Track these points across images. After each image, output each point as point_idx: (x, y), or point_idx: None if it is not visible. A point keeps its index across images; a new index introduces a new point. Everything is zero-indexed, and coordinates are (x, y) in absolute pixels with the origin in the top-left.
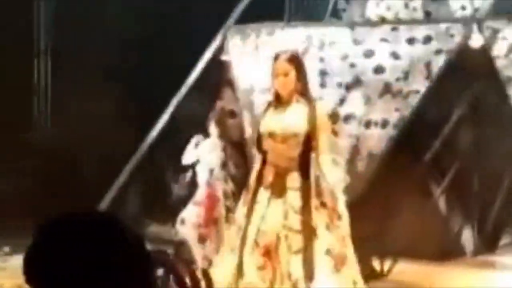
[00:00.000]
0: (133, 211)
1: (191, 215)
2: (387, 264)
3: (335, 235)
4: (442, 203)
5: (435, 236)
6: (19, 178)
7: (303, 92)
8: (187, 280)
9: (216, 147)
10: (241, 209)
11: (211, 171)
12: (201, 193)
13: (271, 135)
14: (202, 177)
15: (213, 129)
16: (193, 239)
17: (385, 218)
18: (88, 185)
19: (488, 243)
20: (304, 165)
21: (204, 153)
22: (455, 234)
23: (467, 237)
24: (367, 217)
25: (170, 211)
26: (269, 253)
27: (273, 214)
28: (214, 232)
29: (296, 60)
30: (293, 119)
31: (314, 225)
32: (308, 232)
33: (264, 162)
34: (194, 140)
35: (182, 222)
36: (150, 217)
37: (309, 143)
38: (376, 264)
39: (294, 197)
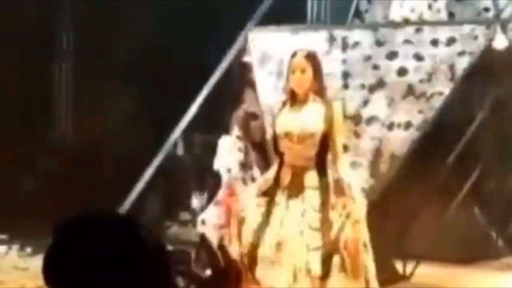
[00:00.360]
0: (154, 213)
1: (211, 216)
2: (409, 266)
3: (348, 221)
4: (465, 205)
5: (458, 238)
6: (41, 178)
7: (320, 92)
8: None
9: (234, 147)
10: (252, 208)
11: (229, 171)
12: (221, 194)
13: (288, 135)
14: (223, 177)
15: (235, 131)
16: (214, 241)
17: (407, 220)
18: (109, 186)
19: None
20: (321, 164)
21: (223, 154)
22: (478, 236)
23: (491, 239)
24: (389, 219)
25: (191, 212)
26: (282, 249)
27: (292, 215)
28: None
29: (313, 59)
30: (310, 118)
31: (331, 222)
32: (326, 231)
33: (281, 164)
34: (221, 142)
35: (203, 223)
36: (171, 219)
37: (325, 142)
38: (398, 266)
39: (312, 196)
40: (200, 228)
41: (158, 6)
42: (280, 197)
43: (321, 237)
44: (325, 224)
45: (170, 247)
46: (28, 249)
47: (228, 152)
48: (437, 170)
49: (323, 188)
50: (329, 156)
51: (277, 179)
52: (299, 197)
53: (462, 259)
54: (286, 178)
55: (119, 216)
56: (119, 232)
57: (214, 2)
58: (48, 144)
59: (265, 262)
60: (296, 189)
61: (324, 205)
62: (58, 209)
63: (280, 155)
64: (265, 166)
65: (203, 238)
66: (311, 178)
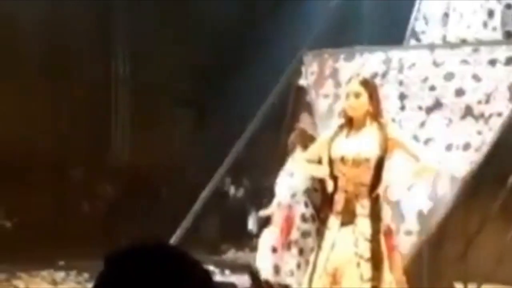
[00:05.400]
0: (211, 237)
1: (266, 239)
2: None
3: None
4: None
5: None
6: (99, 202)
7: (376, 116)
8: None
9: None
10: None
11: (294, 195)
12: (278, 216)
13: (343, 159)
14: (282, 200)
15: (298, 151)
16: (268, 264)
17: (468, 242)
18: (166, 210)
19: None
20: (374, 192)
21: (286, 176)
22: None
23: None
24: (450, 241)
25: (247, 236)
26: (336, 280)
27: (343, 241)
28: (288, 256)
29: (368, 84)
30: (366, 144)
31: (382, 254)
32: (377, 261)
33: (334, 188)
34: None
35: (258, 247)
36: (228, 243)
37: (379, 169)
38: None
39: (364, 224)
40: (257, 253)
41: (209, 28)
42: (333, 222)
43: (371, 268)
44: (376, 255)
45: (226, 272)
46: (85, 275)
47: (291, 175)
48: (497, 192)
49: (375, 217)
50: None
51: (330, 204)
52: (351, 225)
53: None
54: (339, 203)
55: (167, 247)
56: (167, 264)
57: (269, 24)
58: (106, 168)
59: None
60: (348, 216)
61: (375, 235)
62: (116, 234)
63: (335, 179)
64: (320, 188)
65: (253, 276)
66: (364, 205)
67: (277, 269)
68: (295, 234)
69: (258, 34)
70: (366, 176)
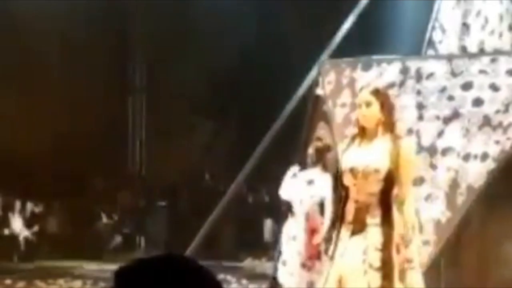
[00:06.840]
0: (228, 245)
1: (291, 255)
2: None
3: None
4: None
5: None
6: (117, 214)
7: (389, 126)
8: None
9: (320, 178)
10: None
11: (321, 201)
12: (298, 228)
13: (352, 170)
14: (299, 210)
15: (314, 160)
16: (301, 281)
17: (485, 252)
18: (184, 218)
19: None
20: (385, 201)
21: (303, 184)
22: None
23: None
24: (467, 252)
25: (264, 245)
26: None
27: (353, 249)
28: (319, 266)
29: (379, 93)
30: (376, 155)
31: (393, 264)
32: (387, 271)
33: (345, 198)
34: (290, 172)
35: (284, 264)
36: (245, 251)
37: (391, 179)
38: None
39: (374, 233)
40: (281, 269)
41: (229, 40)
42: (344, 232)
43: (380, 278)
44: (386, 265)
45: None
46: (101, 284)
47: (309, 184)
48: None
49: (386, 226)
50: (395, 194)
51: (342, 214)
52: (362, 234)
53: None
54: (350, 212)
55: (177, 260)
56: (176, 277)
57: (286, 36)
58: (124, 178)
59: None
60: (359, 225)
61: (386, 245)
62: (132, 244)
63: (345, 189)
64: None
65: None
66: (374, 215)
67: (311, 284)
68: (322, 243)
69: (277, 43)
70: (377, 187)
